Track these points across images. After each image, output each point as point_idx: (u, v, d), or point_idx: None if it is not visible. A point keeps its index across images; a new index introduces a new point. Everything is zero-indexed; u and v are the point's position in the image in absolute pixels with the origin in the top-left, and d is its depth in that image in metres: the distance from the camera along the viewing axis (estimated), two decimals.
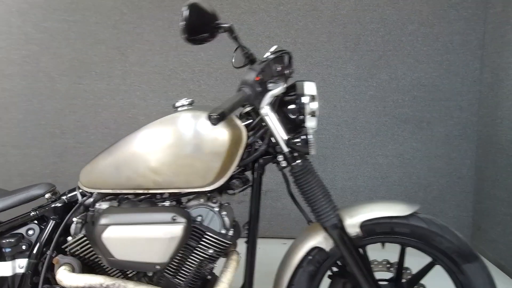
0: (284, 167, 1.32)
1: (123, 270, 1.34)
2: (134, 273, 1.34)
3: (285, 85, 1.30)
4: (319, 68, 2.97)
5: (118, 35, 3.00)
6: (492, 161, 2.75)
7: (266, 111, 1.29)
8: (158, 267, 1.24)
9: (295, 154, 1.29)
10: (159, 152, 1.27)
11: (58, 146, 3.08)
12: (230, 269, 1.33)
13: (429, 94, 2.95)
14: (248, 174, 1.43)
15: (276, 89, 1.27)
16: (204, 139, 1.25)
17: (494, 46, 2.77)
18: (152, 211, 1.26)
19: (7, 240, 1.36)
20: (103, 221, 1.23)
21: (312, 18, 2.96)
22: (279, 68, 1.31)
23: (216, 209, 1.33)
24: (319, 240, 1.35)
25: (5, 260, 1.37)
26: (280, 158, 1.31)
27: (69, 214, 1.36)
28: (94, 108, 3.05)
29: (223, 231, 1.32)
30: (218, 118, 1.07)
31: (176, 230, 1.22)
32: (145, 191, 1.30)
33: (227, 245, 1.31)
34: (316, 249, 1.35)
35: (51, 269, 1.34)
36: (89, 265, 1.36)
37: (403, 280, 1.42)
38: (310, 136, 1.27)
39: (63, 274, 1.26)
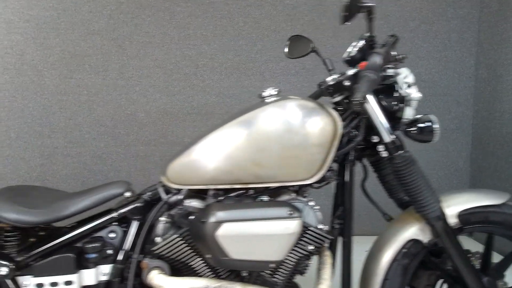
0: (385, 158, 1.28)
1: (216, 270, 1.23)
2: (228, 273, 1.24)
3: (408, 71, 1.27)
4: None
5: (114, 25, 2.78)
6: (491, 153, 2.89)
7: (369, 99, 1.24)
8: (272, 265, 1.16)
9: (397, 144, 1.26)
10: (263, 144, 1.17)
11: (47, 146, 2.80)
12: (327, 265, 1.27)
13: (429, 90, 3.05)
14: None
15: (403, 74, 1.24)
16: (310, 130, 1.19)
17: (490, 43, 2.91)
18: (265, 206, 1.17)
19: (92, 245, 1.19)
20: (215, 218, 1.12)
21: (318, 13, 2.95)
22: (394, 53, 1.27)
23: (311, 203, 1.26)
24: (415, 232, 1.32)
25: (87, 268, 1.20)
26: (380, 148, 1.27)
27: (153, 214, 1.22)
28: (88, 104, 2.81)
29: (320, 226, 1.26)
30: (363, 102, 1.03)
31: (294, 225, 1.14)
32: (243, 186, 1.20)
33: (327, 240, 1.25)
34: (411, 242, 1.32)
35: (137, 274, 1.20)
36: (176, 268, 1.23)
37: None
38: (430, 123, 1.25)
39: (161, 279, 1.13)
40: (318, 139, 1.18)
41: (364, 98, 1.05)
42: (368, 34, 1.38)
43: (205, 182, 1.20)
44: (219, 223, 1.12)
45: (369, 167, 1.46)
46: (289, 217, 1.14)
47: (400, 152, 1.26)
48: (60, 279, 1.15)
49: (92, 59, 2.78)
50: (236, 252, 1.13)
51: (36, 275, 1.16)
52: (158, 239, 1.20)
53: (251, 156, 1.17)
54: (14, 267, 1.14)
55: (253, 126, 1.19)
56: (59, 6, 2.73)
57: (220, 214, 1.13)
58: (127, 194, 1.26)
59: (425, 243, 1.32)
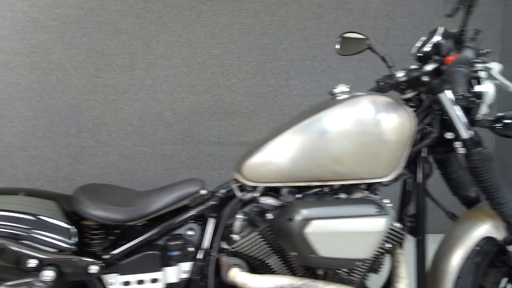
0: (463, 155, 1.28)
1: (292, 268, 1.23)
2: (304, 271, 1.23)
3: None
4: (351, 62, 2.96)
5: (141, 24, 2.77)
6: None
7: (448, 94, 1.25)
8: (358, 263, 1.15)
9: (475, 140, 1.26)
10: (343, 141, 1.17)
11: (74, 146, 2.78)
12: (402, 263, 1.27)
13: None
14: None
15: (496, 68, 1.24)
16: (389, 126, 1.19)
17: None
18: (350, 203, 1.17)
19: (175, 243, 1.19)
20: (302, 216, 1.11)
21: (343, 11, 2.95)
22: (479, 47, 1.28)
23: (385, 201, 1.26)
24: (488, 229, 1.32)
25: (169, 265, 1.19)
26: (457, 144, 1.27)
27: (228, 211, 1.22)
28: (115, 104, 2.79)
29: (396, 224, 1.26)
30: (468, 96, 1.03)
31: (382, 223, 1.14)
32: (322, 183, 1.20)
33: (404, 238, 1.25)
34: (484, 239, 1.32)
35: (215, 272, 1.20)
36: (251, 265, 1.22)
37: None
38: None
39: (244, 277, 1.13)
40: (397, 135, 1.19)
41: (467, 92, 1.05)
42: (442, 29, 1.38)
43: (282, 179, 1.20)
44: (307, 220, 1.11)
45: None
46: (377, 214, 1.14)
47: (478, 148, 1.25)
48: (147, 276, 1.15)
49: (119, 58, 2.77)
50: (325, 249, 1.12)
51: (122, 273, 1.16)
52: (235, 237, 1.20)
53: (331, 154, 1.17)
54: (103, 265, 1.14)
55: (331, 124, 1.19)
56: (86, 5, 2.71)
57: (308, 212, 1.12)
58: (203, 191, 1.26)
59: (499, 240, 1.32)
